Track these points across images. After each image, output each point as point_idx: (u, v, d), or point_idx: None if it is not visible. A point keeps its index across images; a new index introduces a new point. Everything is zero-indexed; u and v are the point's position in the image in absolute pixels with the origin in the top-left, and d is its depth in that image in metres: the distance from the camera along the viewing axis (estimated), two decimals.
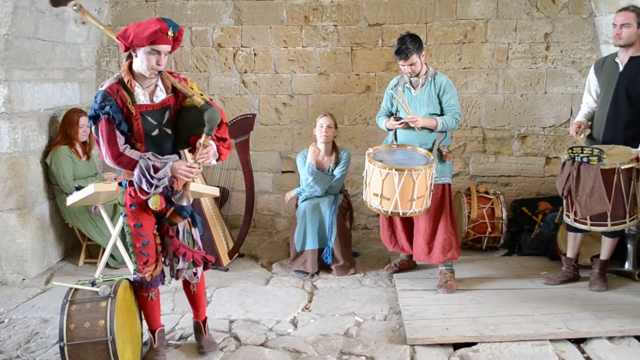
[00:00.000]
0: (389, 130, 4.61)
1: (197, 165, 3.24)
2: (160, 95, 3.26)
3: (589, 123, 4.53)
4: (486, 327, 3.79)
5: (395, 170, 4.02)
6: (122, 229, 4.75)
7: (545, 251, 5.15)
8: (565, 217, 4.34)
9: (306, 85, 6.09)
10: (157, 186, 3.19)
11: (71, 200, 4.62)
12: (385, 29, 5.93)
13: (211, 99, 3.28)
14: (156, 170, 3.18)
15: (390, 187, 4.06)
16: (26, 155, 4.88)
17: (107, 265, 4.94)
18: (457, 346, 3.68)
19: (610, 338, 3.69)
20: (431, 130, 4.39)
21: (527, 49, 5.81)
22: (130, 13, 6.02)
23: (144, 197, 3.25)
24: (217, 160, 3.35)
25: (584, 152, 4.08)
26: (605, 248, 4.44)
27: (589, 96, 4.54)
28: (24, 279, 4.85)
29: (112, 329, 3.10)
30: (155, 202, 3.24)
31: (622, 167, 3.97)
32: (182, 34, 3.23)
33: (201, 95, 3.21)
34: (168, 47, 3.14)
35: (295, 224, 5.02)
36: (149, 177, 3.16)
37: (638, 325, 3.76)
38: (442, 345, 3.68)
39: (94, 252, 5.34)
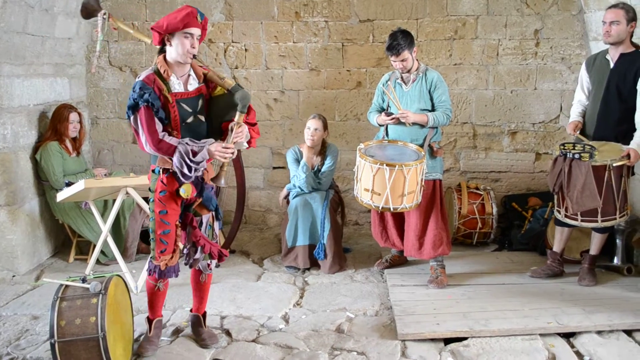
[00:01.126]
0: (380, 125, 4.62)
1: (232, 146, 3.34)
2: (194, 83, 3.41)
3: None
4: (477, 322, 3.81)
5: (386, 165, 4.03)
6: (113, 225, 4.77)
7: (535, 246, 5.19)
8: (555, 213, 4.37)
9: (297, 81, 6.09)
10: (196, 169, 3.30)
11: (61, 196, 4.61)
12: (376, 24, 5.93)
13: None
14: (194, 154, 3.28)
15: (381, 183, 4.07)
16: (16, 151, 4.85)
17: (97, 261, 4.93)
18: (447, 341, 3.70)
19: (599, 332, 3.73)
20: (422, 126, 4.41)
21: (517, 45, 5.83)
22: (120, 7, 5.98)
23: (185, 180, 3.33)
24: (248, 144, 3.51)
25: (576, 148, 4.10)
26: (595, 243, 4.47)
27: (582, 93, 4.55)
28: (13, 276, 4.82)
29: (103, 326, 3.09)
30: (187, 191, 3.36)
31: (614, 165, 3.99)
32: (206, 23, 3.40)
33: (234, 82, 3.38)
34: (199, 31, 3.31)
35: (287, 220, 5.02)
36: (188, 161, 3.25)
37: (626, 319, 3.79)
38: (433, 340, 3.70)
39: (84, 248, 5.33)
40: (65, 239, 5.51)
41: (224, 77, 3.40)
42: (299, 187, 5.06)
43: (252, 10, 5.99)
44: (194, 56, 3.32)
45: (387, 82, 4.63)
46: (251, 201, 6.29)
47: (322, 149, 5.13)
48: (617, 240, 4.78)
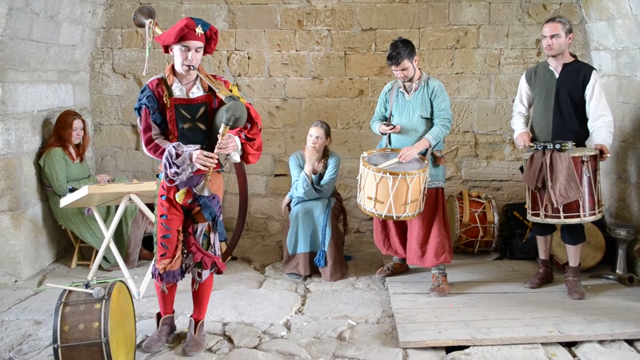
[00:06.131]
0: (382, 134, 4.64)
1: (214, 156, 3.36)
2: (197, 92, 3.50)
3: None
4: (478, 331, 3.82)
5: (390, 174, 4.05)
6: (115, 231, 4.78)
7: (536, 255, 5.18)
8: (532, 218, 4.37)
9: (300, 89, 6.11)
10: (177, 173, 3.35)
11: (65, 202, 4.62)
12: (379, 33, 5.97)
13: (249, 104, 3.48)
14: (178, 157, 3.35)
15: (384, 191, 4.09)
16: (19, 156, 4.87)
17: (100, 267, 4.94)
18: (449, 349, 3.71)
19: (601, 342, 3.73)
20: (425, 131, 4.44)
21: (519, 54, 5.86)
22: (124, 15, 6.02)
23: (169, 185, 3.47)
24: (243, 158, 3.56)
25: (552, 142, 4.21)
26: (572, 255, 4.49)
27: (521, 105, 4.66)
28: (16, 281, 4.83)
29: (107, 331, 3.09)
30: (180, 196, 3.44)
31: (589, 154, 4.12)
32: (215, 33, 3.46)
33: (231, 94, 3.38)
34: (197, 44, 3.37)
35: (288, 227, 5.03)
36: (170, 162, 3.34)
37: (628, 329, 3.80)
38: (434, 348, 3.70)
39: (87, 254, 5.34)
40: (67, 244, 5.52)
41: (220, 90, 3.39)
42: (299, 197, 5.07)
43: (255, 19, 6.03)
44: (190, 67, 3.37)
45: (389, 90, 4.66)
46: (253, 208, 6.30)
47: (324, 155, 5.14)
48: (619, 250, 4.80)
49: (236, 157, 3.52)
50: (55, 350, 3.07)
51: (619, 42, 4.99)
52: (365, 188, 4.21)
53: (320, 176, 5.09)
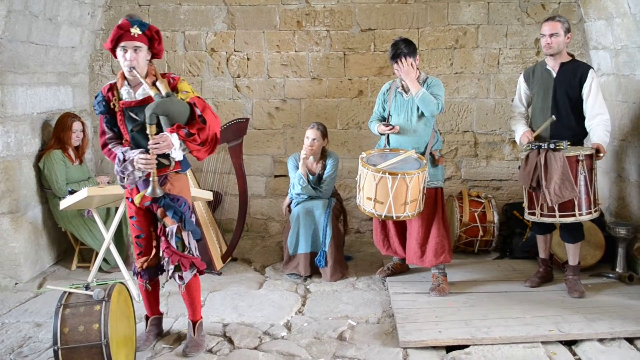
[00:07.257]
0: (381, 134, 4.65)
1: (151, 156, 3.34)
2: (143, 93, 3.44)
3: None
4: (478, 330, 3.82)
5: (389, 174, 4.05)
6: (115, 233, 4.79)
7: (536, 255, 5.17)
8: (529, 217, 4.39)
9: (299, 90, 6.12)
10: (124, 177, 3.42)
11: (64, 204, 4.62)
12: (378, 34, 5.97)
13: (197, 98, 3.41)
14: (125, 161, 3.41)
15: (384, 191, 4.09)
16: (19, 159, 4.87)
17: (100, 269, 4.94)
18: (449, 349, 3.70)
19: (601, 340, 3.73)
20: (423, 133, 4.44)
21: (518, 54, 5.87)
22: (122, 17, 5.98)
23: (126, 188, 3.57)
24: (193, 154, 3.50)
25: (547, 141, 4.21)
26: (572, 254, 4.48)
27: (520, 105, 4.67)
28: (16, 283, 4.83)
29: (106, 333, 3.10)
30: (137, 199, 3.53)
31: (584, 153, 4.12)
32: (156, 32, 3.43)
33: (164, 91, 3.28)
34: (134, 43, 3.34)
35: (289, 228, 5.03)
36: (119, 168, 3.41)
37: (628, 327, 3.80)
38: (434, 347, 3.70)
39: (87, 256, 5.34)
40: (67, 246, 5.52)
41: (152, 89, 3.29)
42: (297, 194, 5.08)
43: (254, 20, 6.03)
44: (131, 68, 3.33)
45: (387, 90, 4.66)
46: (253, 209, 6.31)
47: (322, 155, 5.15)
48: (619, 249, 4.80)
49: (177, 155, 3.45)
50: (56, 352, 3.07)
51: (617, 41, 4.99)
52: (364, 189, 4.21)
53: (319, 177, 5.10)
